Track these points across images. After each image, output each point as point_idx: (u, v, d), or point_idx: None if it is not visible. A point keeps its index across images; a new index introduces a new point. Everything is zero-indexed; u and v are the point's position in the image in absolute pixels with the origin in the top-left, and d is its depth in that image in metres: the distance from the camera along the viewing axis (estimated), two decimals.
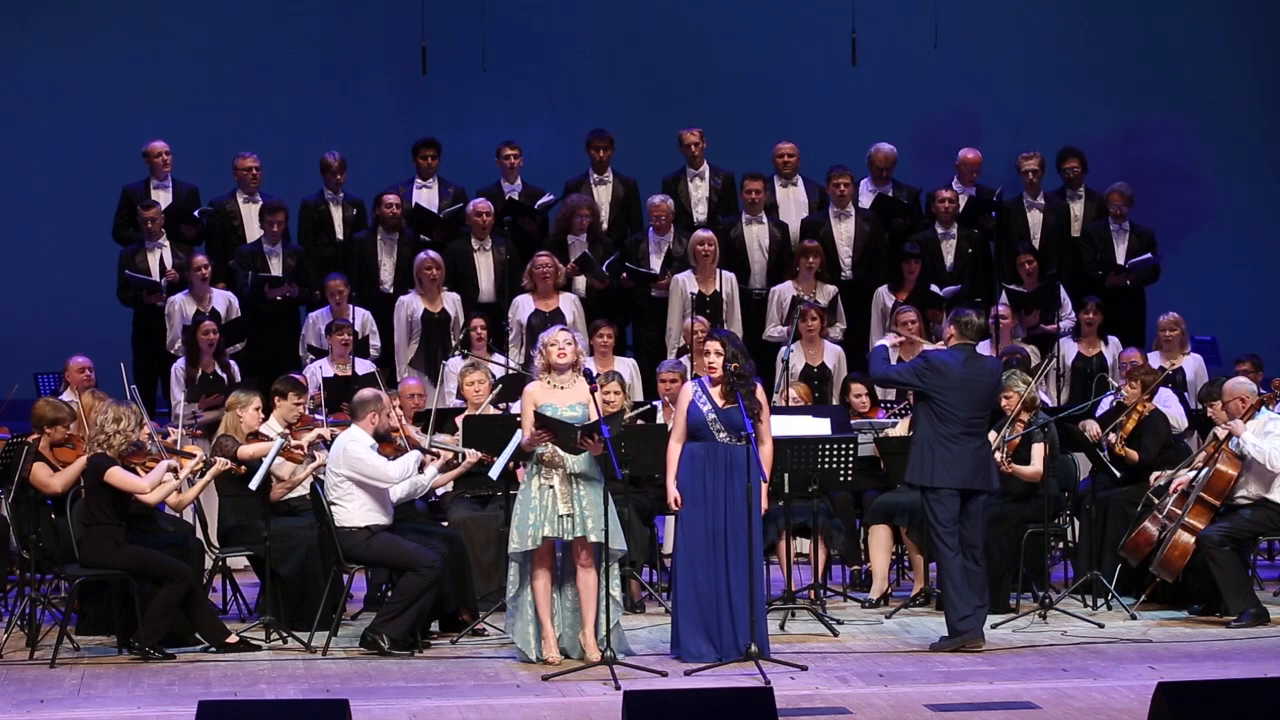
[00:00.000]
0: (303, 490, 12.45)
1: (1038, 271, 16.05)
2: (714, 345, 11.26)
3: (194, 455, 12.15)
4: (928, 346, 12.76)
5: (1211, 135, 19.59)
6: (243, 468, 12.16)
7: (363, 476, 11.73)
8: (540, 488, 11.20)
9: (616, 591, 11.28)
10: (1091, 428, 13.34)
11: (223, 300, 15.73)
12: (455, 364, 15.11)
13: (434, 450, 12.42)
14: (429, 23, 17.65)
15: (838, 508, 13.39)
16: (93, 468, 11.52)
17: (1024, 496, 12.80)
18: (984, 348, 15.25)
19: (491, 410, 13.34)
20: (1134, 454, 13.27)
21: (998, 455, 12.42)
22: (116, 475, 11.45)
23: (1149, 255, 16.33)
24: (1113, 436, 13.28)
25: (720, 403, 11.17)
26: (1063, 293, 15.97)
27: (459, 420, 13.07)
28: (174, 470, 11.70)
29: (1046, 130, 18.45)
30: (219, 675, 11.09)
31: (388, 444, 12.21)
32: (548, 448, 11.19)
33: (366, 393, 12.10)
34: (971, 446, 11.59)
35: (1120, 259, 16.32)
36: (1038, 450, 12.69)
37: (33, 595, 12.00)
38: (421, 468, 12.15)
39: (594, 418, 11.14)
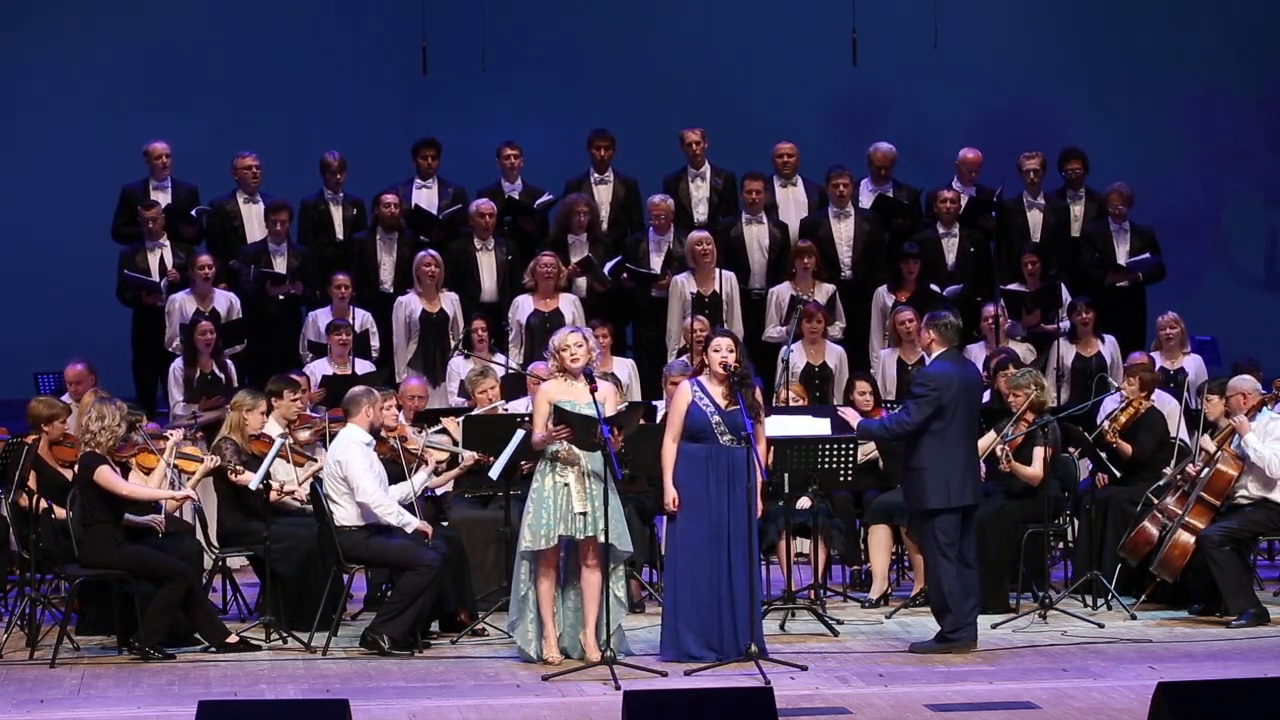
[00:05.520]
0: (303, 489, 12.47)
1: (1040, 272, 16.01)
2: (725, 341, 11.22)
3: (200, 460, 12.19)
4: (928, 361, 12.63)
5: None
6: (243, 471, 12.15)
7: (343, 474, 11.72)
8: (555, 485, 11.13)
9: (621, 592, 11.25)
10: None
11: (224, 300, 15.72)
12: (458, 364, 15.10)
13: (426, 452, 12.40)
14: (429, 23, 17.64)
15: (838, 508, 13.38)
16: (84, 466, 11.51)
17: (1022, 495, 12.78)
18: (979, 348, 15.29)
19: (502, 412, 13.31)
20: (1127, 446, 13.27)
21: (998, 450, 12.39)
22: (103, 475, 11.45)
23: (1151, 255, 16.31)
24: (1106, 424, 13.27)
25: (723, 404, 11.15)
26: (1064, 293, 15.95)
27: (458, 420, 13.05)
28: (171, 484, 11.73)
29: (1046, 130, 18.43)
30: (219, 675, 11.09)
31: (382, 443, 12.20)
32: (563, 445, 11.16)
33: (357, 390, 12.11)
34: (972, 458, 11.56)
35: (1121, 259, 16.31)
36: (1039, 452, 12.67)
37: (33, 595, 11.99)
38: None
39: (607, 414, 11.06)
